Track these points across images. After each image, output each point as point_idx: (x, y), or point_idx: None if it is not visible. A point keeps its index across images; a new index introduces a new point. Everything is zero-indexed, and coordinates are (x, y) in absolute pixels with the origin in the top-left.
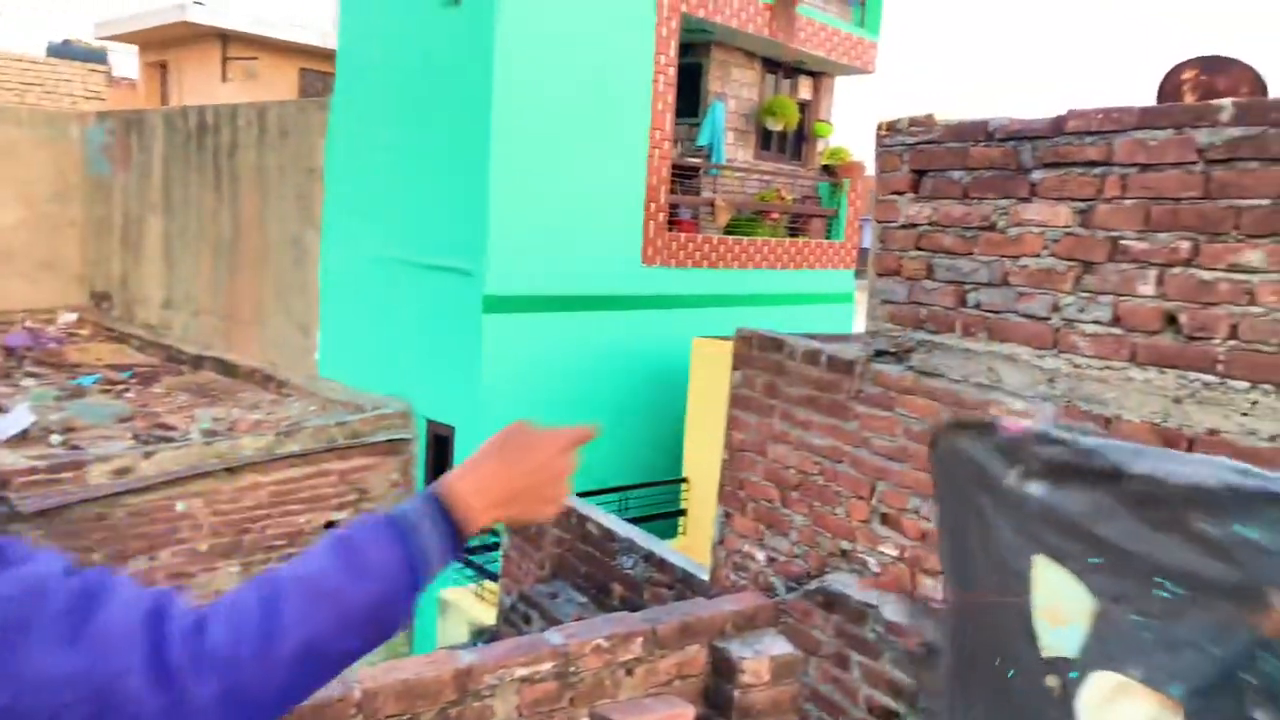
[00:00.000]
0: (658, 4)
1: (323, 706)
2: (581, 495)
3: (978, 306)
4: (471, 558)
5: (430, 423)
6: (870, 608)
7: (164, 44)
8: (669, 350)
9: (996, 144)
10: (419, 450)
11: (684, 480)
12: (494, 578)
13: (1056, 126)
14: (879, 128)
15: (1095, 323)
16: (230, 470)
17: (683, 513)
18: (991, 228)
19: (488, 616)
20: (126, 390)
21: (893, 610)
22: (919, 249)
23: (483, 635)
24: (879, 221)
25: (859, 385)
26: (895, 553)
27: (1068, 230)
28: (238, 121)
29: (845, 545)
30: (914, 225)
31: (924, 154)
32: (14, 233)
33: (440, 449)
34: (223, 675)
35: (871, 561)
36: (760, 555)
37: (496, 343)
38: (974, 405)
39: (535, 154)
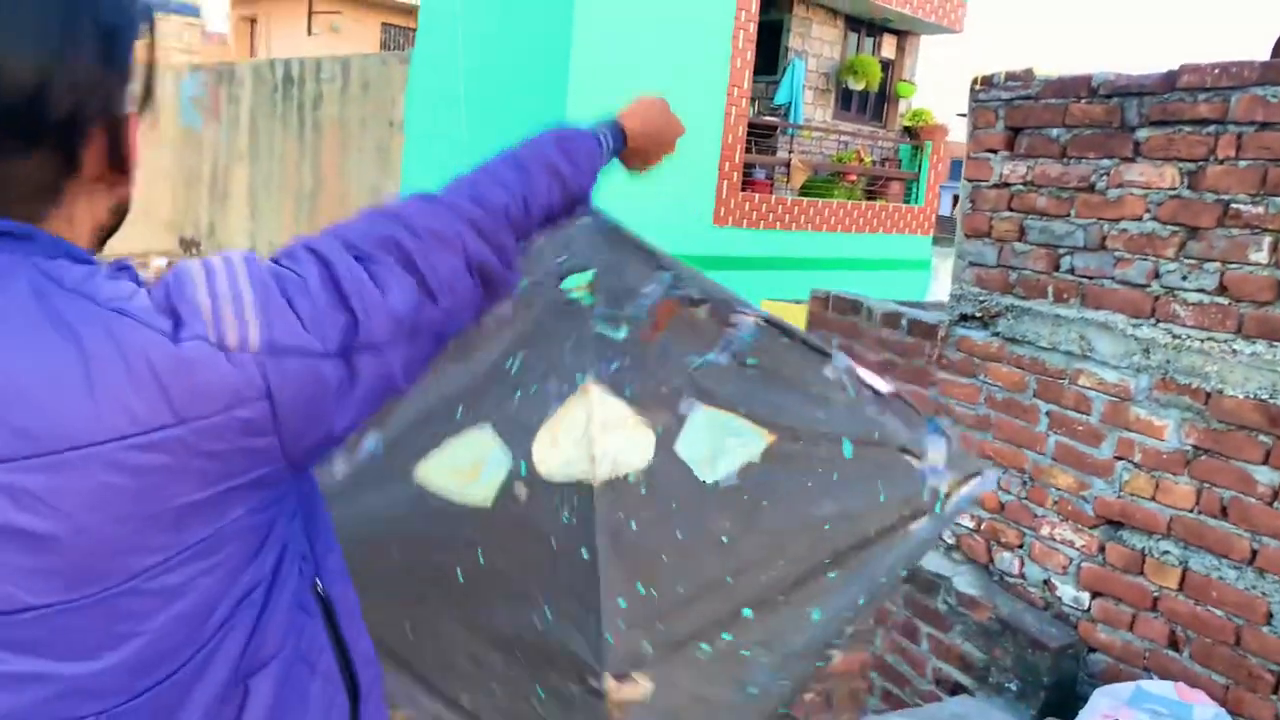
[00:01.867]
0: None
1: None
2: None
3: (1071, 271)
4: None
5: None
6: (942, 579)
7: None
8: None
9: (1100, 100)
10: None
11: None
12: None
13: (1168, 82)
14: (973, 82)
15: (1199, 291)
16: None
17: None
18: (1090, 189)
19: None
20: None
21: (965, 582)
22: (1011, 209)
23: None
24: (969, 180)
25: (941, 350)
26: (971, 524)
27: (1173, 193)
28: (321, 74)
29: None
30: (1006, 185)
31: (1020, 110)
32: None
33: None
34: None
35: (946, 532)
36: None
37: None
38: (1062, 374)
39: (611, 110)
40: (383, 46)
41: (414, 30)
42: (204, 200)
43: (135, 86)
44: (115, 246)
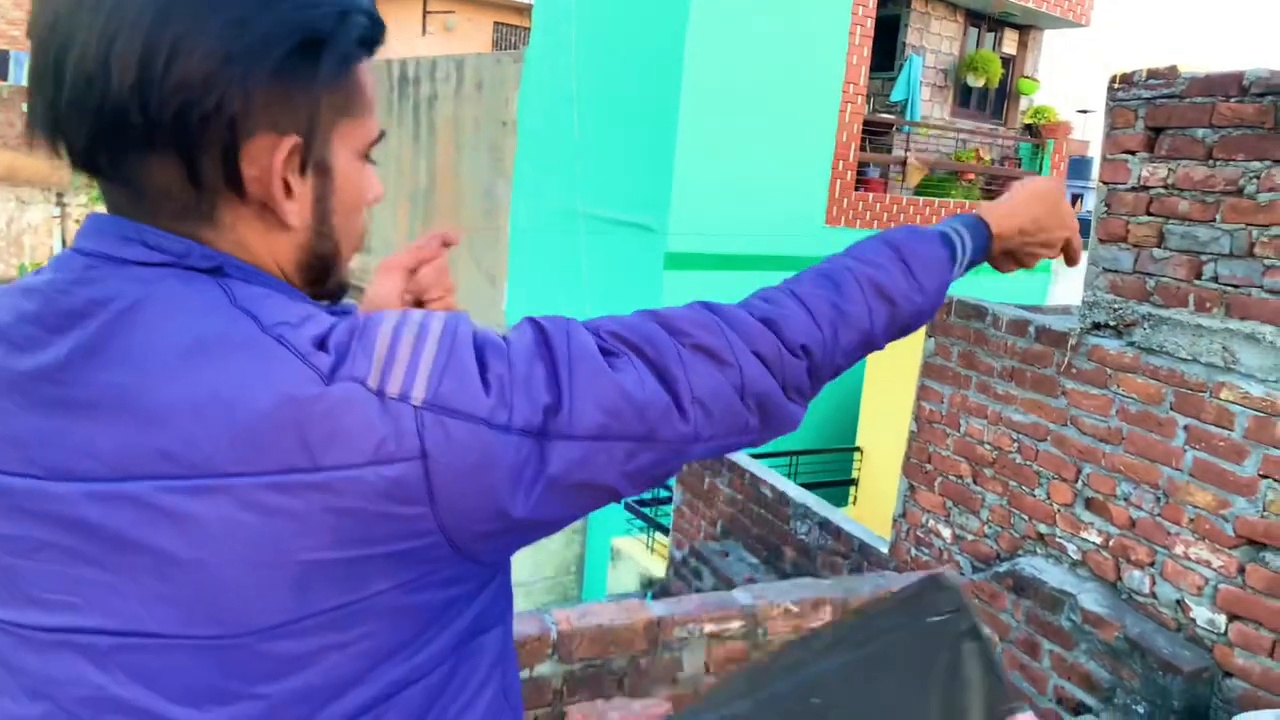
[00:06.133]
0: None
1: (520, 644)
2: (753, 456)
3: (1215, 279)
4: (644, 509)
5: None
6: (1067, 595)
7: None
8: None
9: (1252, 99)
10: None
11: (857, 449)
12: (665, 531)
13: None
14: (1111, 80)
15: None
16: None
17: (854, 482)
18: (1238, 192)
19: (657, 569)
20: None
21: (1092, 600)
22: (1150, 214)
23: (653, 586)
24: (1105, 183)
25: (1071, 359)
26: (1099, 540)
27: None
28: (436, 74)
29: (1043, 528)
30: (1146, 188)
31: (1163, 109)
32: None
33: None
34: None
35: (1071, 548)
36: (946, 532)
37: (676, 299)
38: (1202, 386)
39: (724, 110)
40: (495, 45)
41: (526, 29)
42: None
43: (292, 114)
44: None
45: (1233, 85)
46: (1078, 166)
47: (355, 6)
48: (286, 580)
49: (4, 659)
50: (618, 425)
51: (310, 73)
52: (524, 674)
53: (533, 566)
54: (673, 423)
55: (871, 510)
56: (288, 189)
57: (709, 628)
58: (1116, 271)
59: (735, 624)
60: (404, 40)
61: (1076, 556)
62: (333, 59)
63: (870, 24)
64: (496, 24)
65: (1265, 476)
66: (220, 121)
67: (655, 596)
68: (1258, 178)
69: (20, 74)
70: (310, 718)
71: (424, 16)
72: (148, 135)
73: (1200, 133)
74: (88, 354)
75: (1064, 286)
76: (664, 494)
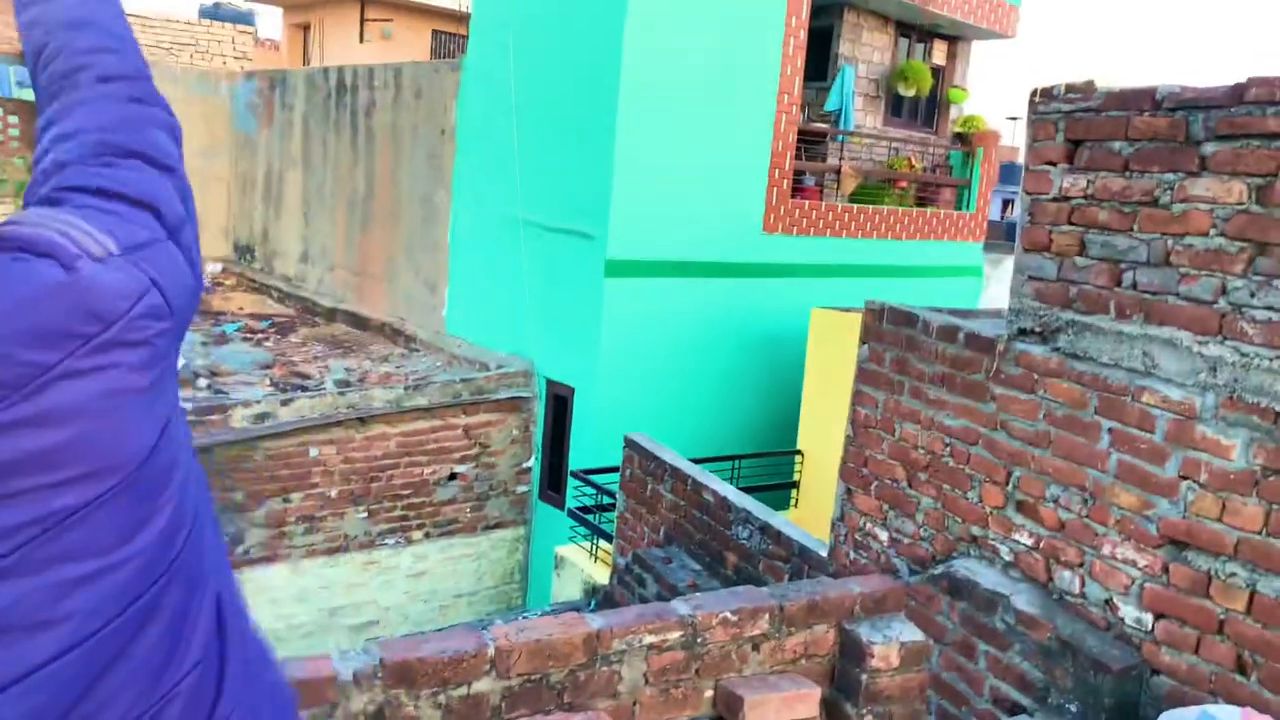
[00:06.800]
0: None
1: (458, 660)
2: (695, 461)
3: (1134, 287)
4: (587, 516)
5: (550, 382)
6: (1001, 596)
7: (306, 6)
8: (787, 319)
9: (1164, 113)
10: (539, 409)
11: (798, 453)
12: (608, 538)
13: (1235, 95)
14: (1032, 94)
15: (1268, 309)
16: (361, 420)
17: (795, 485)
18: (1154, 203)
19: (601, 576)
20: (266, 339)
21: (1025, 600)
22: (1071, 223)
23: (596, 594)
24: (1028, 193)
25: (999, 365)
26: (1030, 541)
27: (1241, 208)
28: (374, 81)
29: (976, 531)
30: (1067, 198)
31: (1082, 123)
32: None
33: (560, 408)
34: None
35: (1004, 549)
36: (883, 535)
37: (616, 306)
38: (1124, 390)
39: (661, 119)
40: (433, 54)
41: (464, 37)
42: (258, 206)
43: None
44: None
45: (1146, 100)
46: (1009, 172)
47: None
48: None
49: None
50: (174, 197)
51: None
52: (461, 690)
53: (475, 576)
54: (174, 175)
55: (813, 512)
56: None
57: (648, 639)
58: (1041, 279)
59: (674, 634)
60: (342, 48)
61: (1009, 558)
62: None
63: (803, 35)
64: (435, 32)
65: (1185, 478)
66: None
67: (599, 604)
68: (1172, 189)
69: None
70: (180, 492)
71: (362, 24)
72: None
73: (1117, 145)
74: None
75: (996, 288)
76: (607, 501)
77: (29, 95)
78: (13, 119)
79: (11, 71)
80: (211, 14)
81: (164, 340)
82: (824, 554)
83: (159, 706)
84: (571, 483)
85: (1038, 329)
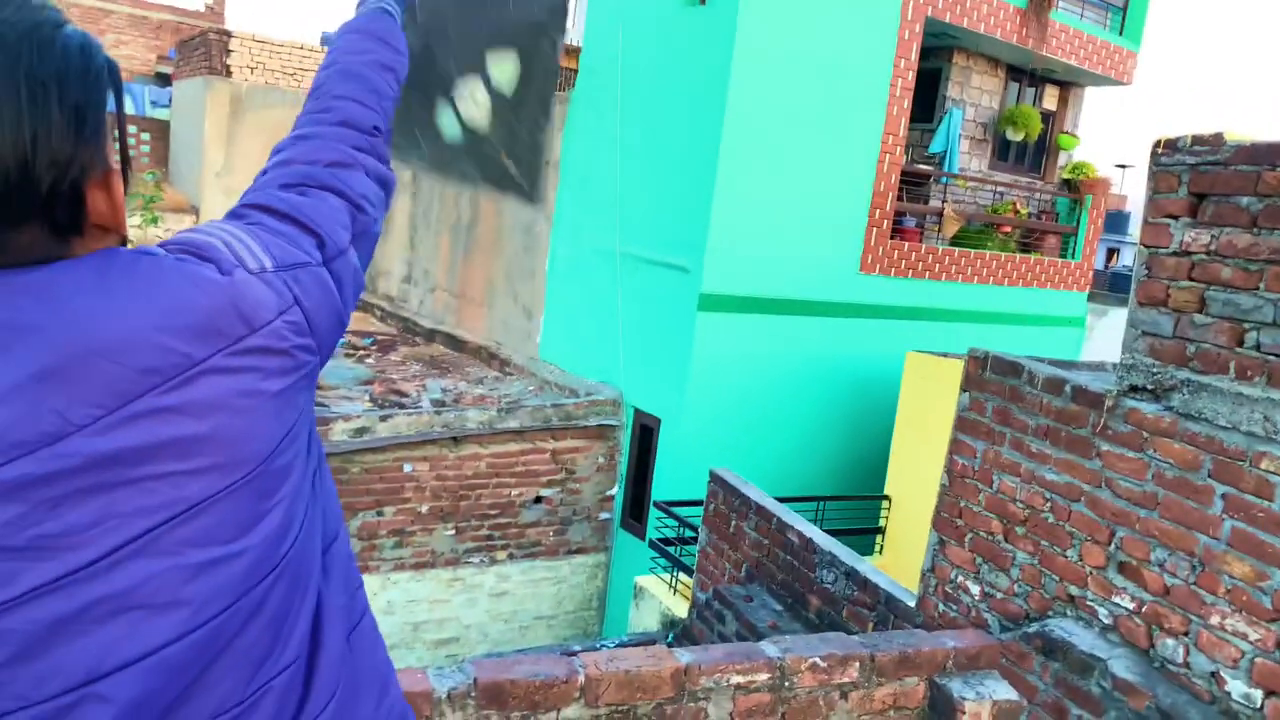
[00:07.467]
0: (902, 7)
1: (549, 685)
2: (780, 500)
3: (1258, 348)
4: (669, 549)
5: (638, 411)
6: (1098, 660)
7: None
8: (880, 362)
9: None
10: (624, 437)
11: (886, 498)
12: (688, 571)
13: None
14: (1155, 145)
15: None
16: (455, 439)
17: (881, 530)
18: None
19: (679, 608)
20: (367, 356)
21: (1123, 666)
22: (1191, 279)
23: (674, 627)
24: (1146, 246)
25: (1107, 421)
26: (1131, 605)
27: None
28: None
29: (1074, 590)
30: (1188, 253)
31: (1207, 176)
32: None
33: (645, 438)
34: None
35: (1103, 611)
36: (975, 588)
37: (707, 341)
38: (1242, 455)
39: (764, 155)
40: None
41: (573, 71)
42: None
43: (108, 151)
44: None
45: (1278, 155)
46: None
47: (112, 68)
48: (270, 410)
49: (69, 612)
50: (345, 231)
51: (93, 130)
52: (550, 716)
53: (555, 600)
54: (360, 214)
55: (898, 560)
56: (106, 213)
57: (736, 679)
58: (1156, 335)
59: (762, 676)
60: None
61: (1108, 621)
62: (97, 117)
63: (911, 76)
64: None
65: None
66: (45, 187)
67: (677, 638)
68: None
69: None
70: (293, 496)
71: None
72: (22, 210)
73: (1245, 200)
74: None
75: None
76: (688, 534)
77: (163, 114)
78: (145, 135)
79: (146, 91)
80: (332, 40)
81: (303, 354)
82: (911, 604)
83: (254, 699)
84: (653, 513)
85: (1150, 386)
